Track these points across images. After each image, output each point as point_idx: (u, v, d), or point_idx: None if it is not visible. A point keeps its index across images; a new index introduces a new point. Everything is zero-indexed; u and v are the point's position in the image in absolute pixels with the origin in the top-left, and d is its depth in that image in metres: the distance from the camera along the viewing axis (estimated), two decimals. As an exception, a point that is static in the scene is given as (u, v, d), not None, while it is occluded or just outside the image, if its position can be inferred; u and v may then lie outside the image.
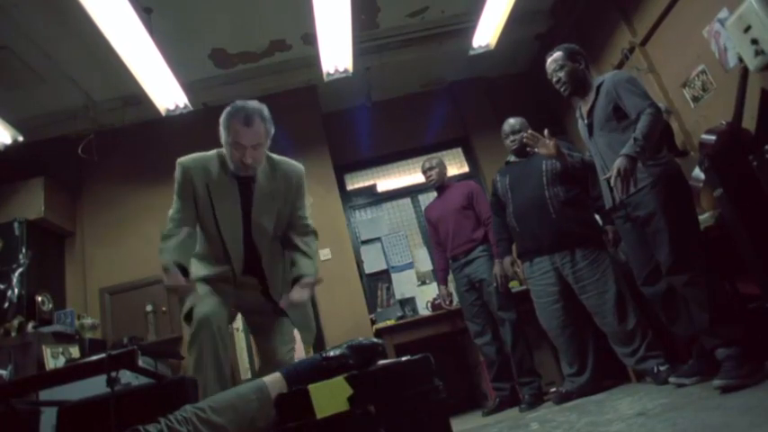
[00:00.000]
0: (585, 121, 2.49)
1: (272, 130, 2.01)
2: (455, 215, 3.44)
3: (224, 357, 1.86)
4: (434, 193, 3.76)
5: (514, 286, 3.46)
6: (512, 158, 3.18)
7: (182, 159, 2.04)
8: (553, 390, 3.19)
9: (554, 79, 2.54)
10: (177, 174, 2.02)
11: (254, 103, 1.98)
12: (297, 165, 2.15)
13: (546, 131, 2.70)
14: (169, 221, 1.99)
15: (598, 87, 2.41)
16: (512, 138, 3.11)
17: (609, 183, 2.24)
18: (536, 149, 2.78)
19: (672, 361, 2.54)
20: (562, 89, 2.52)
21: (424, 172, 3.64)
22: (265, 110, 1.99)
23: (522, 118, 3.17)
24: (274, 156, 2.11)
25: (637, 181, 2.14)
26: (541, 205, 2.90)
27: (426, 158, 3.73)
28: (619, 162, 2.12)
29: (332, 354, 1.55)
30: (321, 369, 1.52)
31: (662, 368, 2.50)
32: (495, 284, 3.22)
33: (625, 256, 2.95)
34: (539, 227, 2.90)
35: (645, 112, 2.17)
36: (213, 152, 2.06)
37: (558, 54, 2.52)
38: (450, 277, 3.59)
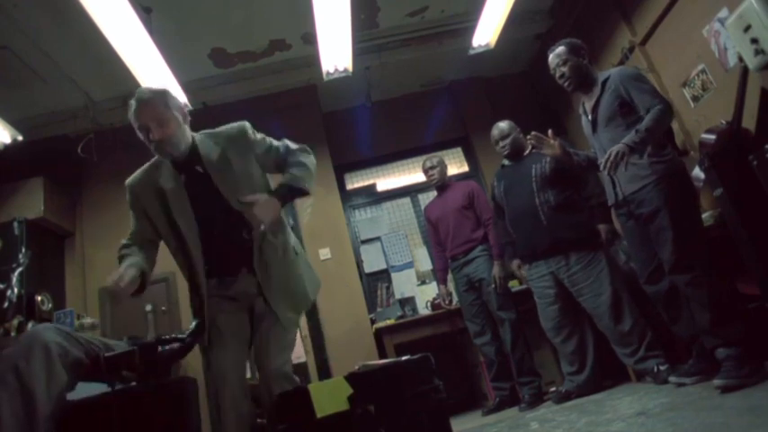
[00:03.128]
0: (589, 117, 2.46)
1: (179, 103, 1.95)
2: (455, 215, 3.44)
3: (242, 406, 1.83)
4: (434, 193, 3.76)
5: (514, 286, 3.46)
6: (506, 162, 3.18)
7: (127, 180, 2.01)
8: (553, 389, 3.19)
9: (557, 74, 2.49)
10: (126, 197, 1.99)
11: (155, 86, 1.98)
12: (237, 123, 2.04)
13: (550, 132, 2.65)
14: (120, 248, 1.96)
15: (603, 83, 2.38)
16: (501, 144, 3.10)
17: (610, 176, 2.22)
18: (541, 150, 2.69)
19: (672, 361, 2.54)
20: (566, 84, 2.47)
21: (426, 171, 3.63)
22: (168, 91, 1.95)
23: (511, 121, 3.16)
24: (213, 129, 2.03)
25: (627, 166, 2.12)
26: (533, 213, 2.90)
27: (427, 157, 3.73)
28: (616, 147, 2.12)
29: None
30: None
31: (662, 368, 2.50)
32: (494, 285, 3.22)
33: (625, 256, 2.95)
34: (532, 234, 2.91)
35: (654, 108, 2.16)
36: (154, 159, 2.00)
37: (561, 49, 2.47)
38: (450, 277, 3.59)
